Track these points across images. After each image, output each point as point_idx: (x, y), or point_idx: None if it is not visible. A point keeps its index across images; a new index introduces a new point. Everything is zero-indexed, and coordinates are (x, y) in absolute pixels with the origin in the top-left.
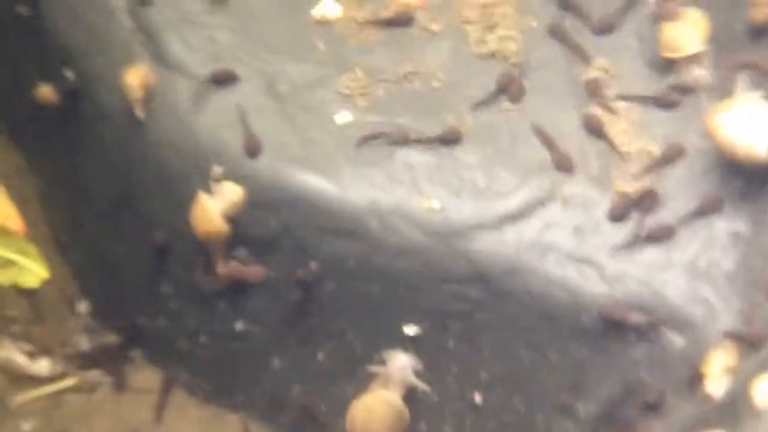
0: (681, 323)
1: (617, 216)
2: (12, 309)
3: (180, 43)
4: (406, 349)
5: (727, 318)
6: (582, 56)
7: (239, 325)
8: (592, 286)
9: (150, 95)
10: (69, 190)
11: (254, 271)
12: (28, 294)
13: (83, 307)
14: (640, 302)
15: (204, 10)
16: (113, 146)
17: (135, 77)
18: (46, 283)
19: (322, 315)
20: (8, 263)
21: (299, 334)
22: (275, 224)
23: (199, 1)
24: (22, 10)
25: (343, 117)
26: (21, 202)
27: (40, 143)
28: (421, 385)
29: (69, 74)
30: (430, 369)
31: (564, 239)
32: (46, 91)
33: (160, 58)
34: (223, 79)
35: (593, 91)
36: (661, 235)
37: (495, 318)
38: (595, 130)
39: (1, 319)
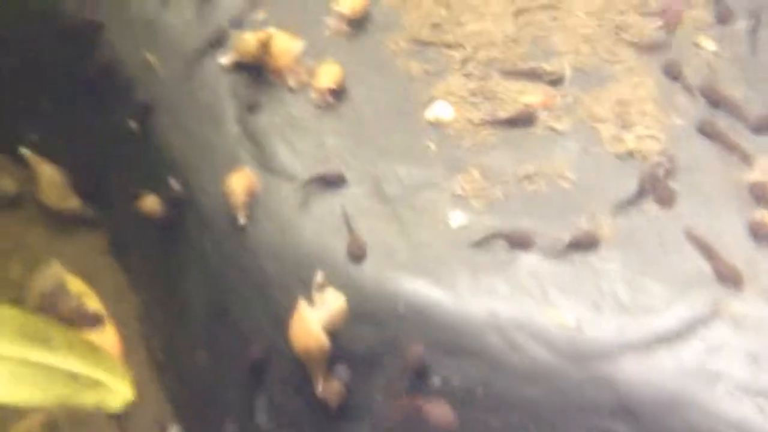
0: None
1: None
2: None
3: (287, 147)
4: None
5: None
6: (742, 157)
7: None
8: None
9: (253, 201)
10: (167, 307)
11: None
12: (118, 419)
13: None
14: None
15: (313, 115)
16: (213, 256)
17: (239, 182)
18: (138, 407)
19: None
20: (95, 384)
21: None
22: (380, 339)
23: (309, 105)
24: (132, 124)
25: (457, 219)
26: (120, 323)
27: (142, 258)
28: None
29: (174, 184)
30: None
31: (736, 367)
32: (151, 203)
33: (265, 163)
34: (331, 181)
35: (760, 195)
36: None
37: None
38: (766, 239)
39: None
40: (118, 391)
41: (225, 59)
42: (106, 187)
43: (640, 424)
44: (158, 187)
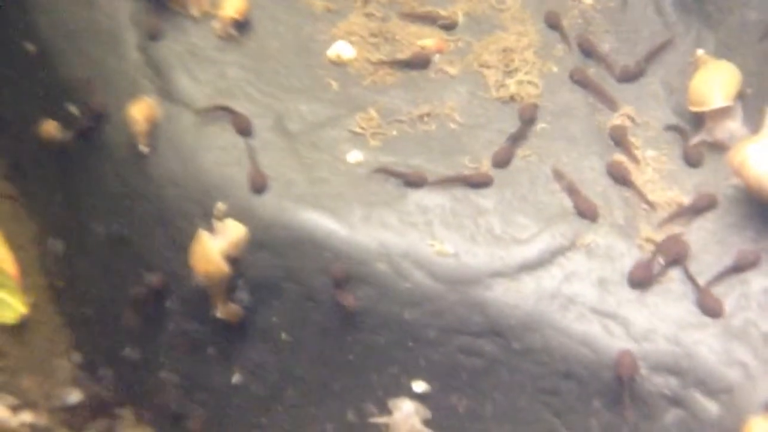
0: (715, 387)
1: (640, 280)
2: None
3: (188, 77)
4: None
5: (766, 382)
6: (608, 103)
7: (236, 378)
8: (618, 343)
9: (155, 130)
10: (66, 233)
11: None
12: (16, 344)
13: (74, 358)
14: (670, 363)
15: (215, 47)
16: (114, 183)
17: (140, 110)
18: (34, 332)
19: (324, 367)
20: None
21: (299, 387)
22: (279, 266)
23: (212, 36)
24: (29, 47)
25: (354, 156)
26: (17, 248)
27: (40, 184)
28: None
29: (73, 109)
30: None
31: (587, 291)
32: (50, 128)
33: (167, 92)
34: (241, 128)
35: (618, 138)
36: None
37: (511, 376)
38: (620, 177)
39: None
40: (9, 304)
41: None
42: (4, 111)
43: (505, 342)
44: (57, 112)
